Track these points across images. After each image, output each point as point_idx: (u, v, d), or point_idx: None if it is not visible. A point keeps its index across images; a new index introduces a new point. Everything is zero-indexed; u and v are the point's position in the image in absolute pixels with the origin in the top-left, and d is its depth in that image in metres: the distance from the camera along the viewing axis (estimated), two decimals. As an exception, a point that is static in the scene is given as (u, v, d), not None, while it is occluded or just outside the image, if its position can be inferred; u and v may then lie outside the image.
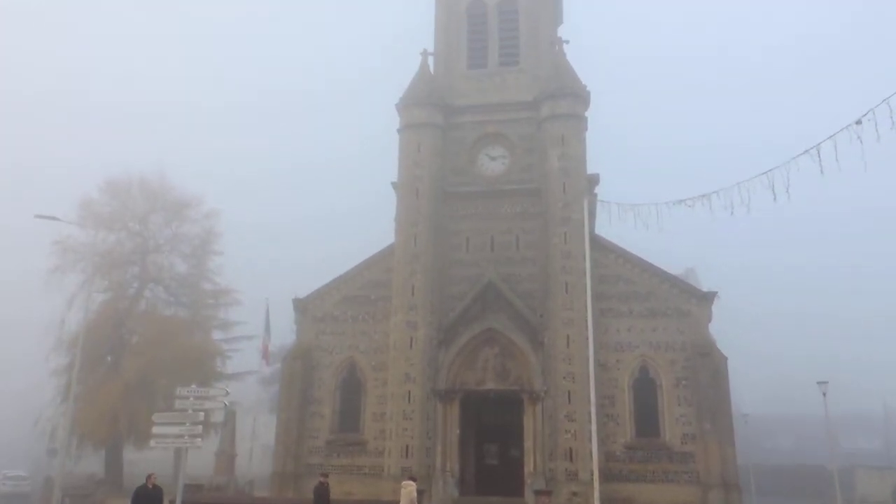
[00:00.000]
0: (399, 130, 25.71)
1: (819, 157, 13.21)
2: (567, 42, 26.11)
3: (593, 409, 20.51)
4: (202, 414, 19.28)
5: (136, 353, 33.48)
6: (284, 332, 37.09)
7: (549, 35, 26.73)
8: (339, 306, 25.78)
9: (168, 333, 33.58)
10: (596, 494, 18.54)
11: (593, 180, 24.54)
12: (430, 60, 26.77)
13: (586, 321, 21.48)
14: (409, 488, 18.12)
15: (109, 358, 34.73)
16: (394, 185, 25.50)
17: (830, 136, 12.72)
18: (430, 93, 25.72)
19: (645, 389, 22.89)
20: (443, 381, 23.12)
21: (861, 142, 11.88)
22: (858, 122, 11.82)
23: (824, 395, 35.24)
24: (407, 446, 22.33)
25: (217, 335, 38.32)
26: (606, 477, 20.98)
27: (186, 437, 18.69)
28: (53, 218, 24.77)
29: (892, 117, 11.31)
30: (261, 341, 33.28)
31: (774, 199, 15.00)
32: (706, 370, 22.34)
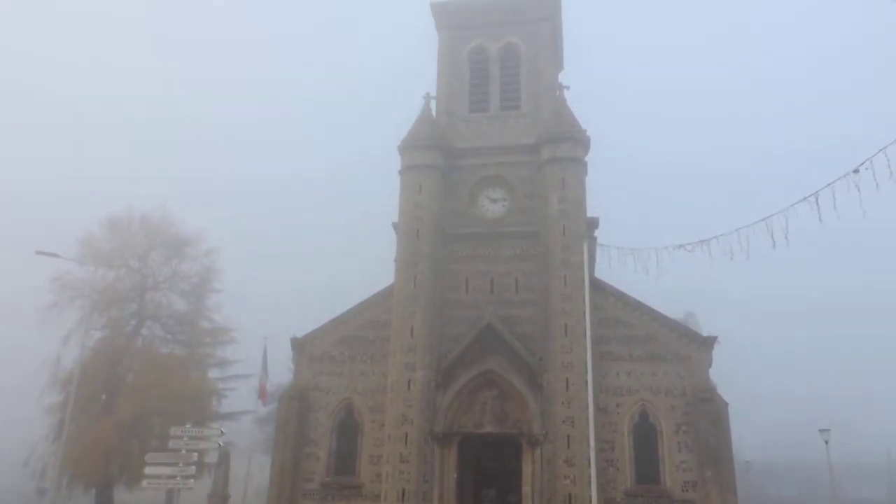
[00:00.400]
0: (400, 172, 25.93)
1: (818, 204, 13.33)
2: (567, 88, 26.53)
3: (593, 455, 20.26)
4: (196, 454, 19.13)
5: (131, 391, 33.23)
6: (281, 371, 36.82)
7: (550, 81, 27.17)
8: (337, 346, 25.62)
9: (164, 371, 33.38)
10: (595, 543, 18.17)
11: (593, 224, 24.63)
12: (433, 104, 27.15)
13: (586, 364, 21.34)
14: None
15: (104, 396, 34.44)
16: (394, 225, 25.60)
17: (828, 185, 12.86)
18: (432, 135, 26.02)
19: (645, 435, 22.57)
20: (440, 424, 22.85)
21: (859, 190, 12.01)
22: (856, 171, 11.96)
23: (826, 442, 34.89)
24: (403, 490, 21.92)
25: (214, 373, 38.18)
26: (606, 525, 20.55)
27: (179, 478, 18.49)
28: (54, 254, 24.92)
29: (889, 167, 11.45)
30: (258, 380, 33.01)
31: (774, 245, 15.11)
32: (707, 416, 22.06)
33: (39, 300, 33.63)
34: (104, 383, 34.06)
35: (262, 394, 31.33)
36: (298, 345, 25.87)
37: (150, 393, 32.05)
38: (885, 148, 11.50)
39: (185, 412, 29.38)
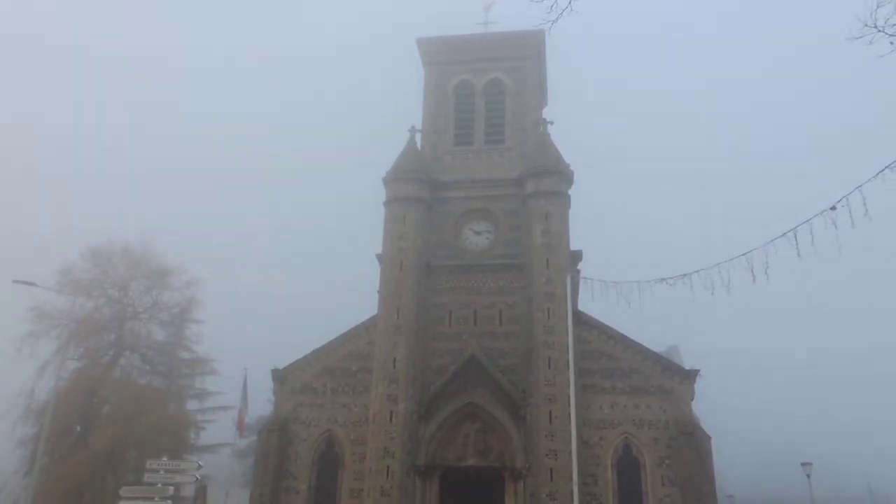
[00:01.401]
0: (385, 204, 26.04)
1: (796, 240, 13.58)
2: (552, 123, 26.94)
3: (576, 489, 20.11)
4: (172, 488, 18.75)
5: (106, 423, 32.61)
6: (261, 403, 36.41)
7: (535, 116, 27.60)
8: (318, 378, 25.37)
9: (141, 403, 32.83)
10: (579, 580, 17.94)
11: (576, 257, 24.82)
12: (418, 137, 27.43)
13: (569, 397, 21.30)
14: None
15: (78, 428, 33.73)
16: (378, 257, 25.62)
17: (806, 221, 13.13)
18: (417, 168, 26.23)
19: (629, 468, 22.47)
20: (422, 457, 22.60)
21: (836, 227, 12.27)
22: (833, 209, 12.23)
23: (808, 476, 34.92)
24: (384, 525, 21.56)
25: (192, 405, 37.64)
26: (589, 561, 20.30)
27: (155, 513, 18.04)
28: (32, 283, 24.57)
29: (865, 204, 11.73)
30: (237, 412, 32.55)
31: (754, 280, 15.34)
32: (690, 449, 22.05)
33: (15, 330, 33.06)
34: (79, 415, 33.39)
35: (240, 425, 30.87)
36: (279, 376, 25.59)
37: (126, 425, 31.46)
38: (860, 186, 11.80)
39: (161, 445, 28.81)
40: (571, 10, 9.40)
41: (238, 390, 32.28)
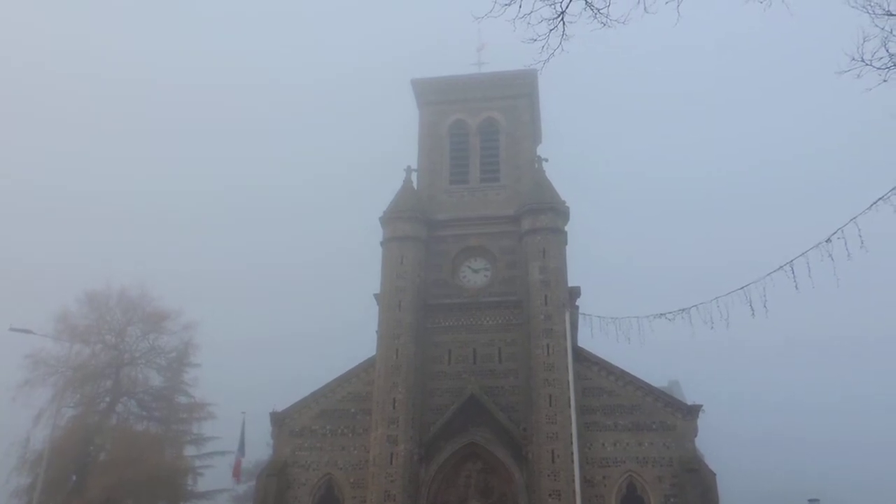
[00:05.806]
0: (382, 243, 26.10)
1: (793, 273, 13.60)
2: (546, 160, 27.16)
3: (581, 530, 19.69)
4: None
5: (102, 471, 31.98)
6: (260, 447, 35.79)
7: (529, 153, 27.87)
8: (317, 420, 25.08)
9: (138, 450, 32.23)
10: None
11: (574, 293, 24.80)
12: (414, 176, 27.63)
13: (571, 435, 21.05)
14: None
15: (74, 477, 33.11)
16: (376, 296, 25.57)
17: (802, 254, 13.17)
18: (414, 207, 26.37)
19: (633, 508, 22.08)
20: (424, 499, 22.21)
21: (832, 259, 12.30)
22: (828, 241, 12.27)
23: (817, 512, 34.35)
24: (386, 572, 21.08)
25: (189, 450, 36.99)
26: None
27: (151, 565, 17.67)
28: (28, 331, 24.41)
29: (860, 236, 11.78)
30: (234, 457, 32.04)
31: (753, 314, 15.29)
32: (695, 487, 21.69)
33: (10, 378, 32.66)
34: (75, 464, 32.79)
35: (235, 471, 30.35)
36: (278, 419, 25.29)
37: (122, 472, 30.85)
38: (855, 217, 11.87)
39: (158, 492, 28.35)
40: (563, 50, 9.55)
41: (236, 433, 31.83)
